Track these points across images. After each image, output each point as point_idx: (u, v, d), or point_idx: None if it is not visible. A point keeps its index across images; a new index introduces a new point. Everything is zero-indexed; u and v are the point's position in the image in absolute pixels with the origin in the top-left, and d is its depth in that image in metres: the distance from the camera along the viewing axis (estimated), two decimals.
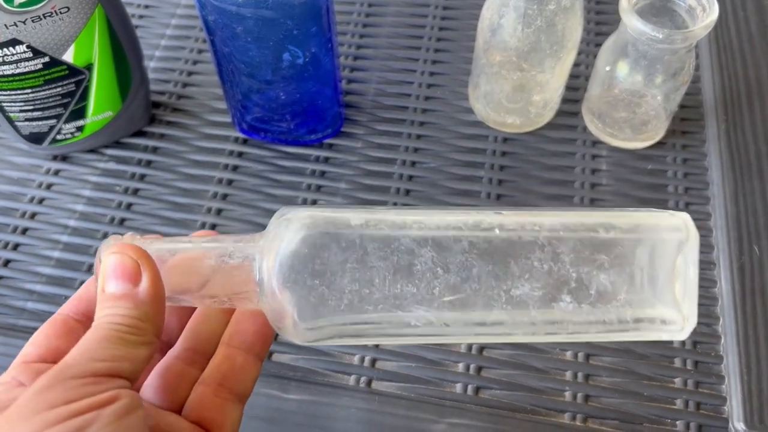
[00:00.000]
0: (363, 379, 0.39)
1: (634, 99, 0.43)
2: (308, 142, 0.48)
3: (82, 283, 0.42)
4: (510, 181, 0.46)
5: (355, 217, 0.24)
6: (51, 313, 0.41)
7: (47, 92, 0.42)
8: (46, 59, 0.40)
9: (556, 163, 0.47)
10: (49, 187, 0.47)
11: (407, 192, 0.46)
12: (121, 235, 0.27)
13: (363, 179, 0.46)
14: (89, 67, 0.42)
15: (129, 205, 0.46)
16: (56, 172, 0.47)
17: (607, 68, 0.43)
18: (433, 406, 0.38)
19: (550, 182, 0.46)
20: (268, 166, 0.47)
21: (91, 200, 0.46)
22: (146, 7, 0.56)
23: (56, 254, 0.44)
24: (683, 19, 0.42)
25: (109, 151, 0.48)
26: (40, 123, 0.44)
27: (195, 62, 0.53)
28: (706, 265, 0.42)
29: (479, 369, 0.39)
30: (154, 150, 0.48)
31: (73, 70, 0.42)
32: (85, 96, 0.43)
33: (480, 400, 0.38)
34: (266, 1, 0.37)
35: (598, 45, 0.52)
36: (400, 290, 0.24)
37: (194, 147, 0.48)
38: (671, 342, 0.39)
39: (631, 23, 0.39)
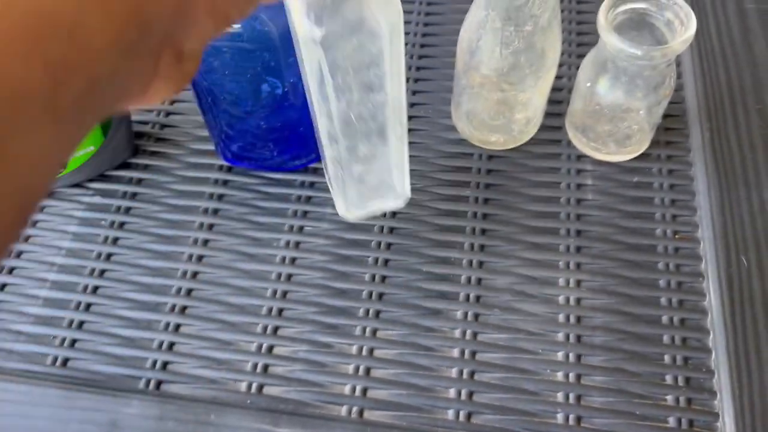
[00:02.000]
0: (355, 409, 0.39)
1: (617, 113, 0.43)
2: (293, 167, 0.48)
3: (71, 322, 0.42)
4: (496, 199, 0.46)
5: None
6: (39, 354, 0.41)
7: None
8: None
9: (541, 179, 0.46)
10: (34, 224, 0.46)
11: (393, 215, 0.46)
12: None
13: None
14: None
15: (115, 240, 0.46)
16: (41, 209, 0.47)
17: (588, 84, 0.43)
18: None
19: (536, 199, 0.46)
20: (254, 193, 0.47)
21: (77, 236, 0.46)
22: None
23: (44, 293, 0.43)
24: (662, 32, 0.41)
25: (94, 185, 0.48)
26: None
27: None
28: (694, 278, 0.42)
29: (470, 394, 0.39)
30: (139, 182, 0.48)
31: None
32: None
33: (472, 426, 0.38)
34: (241, 35, 0.37)
35: (581, 56, 0.52)
36: None
37: (179, 177, 0.48)
38: (662, 359, 0.39)
39: (609, 40, 0.39)
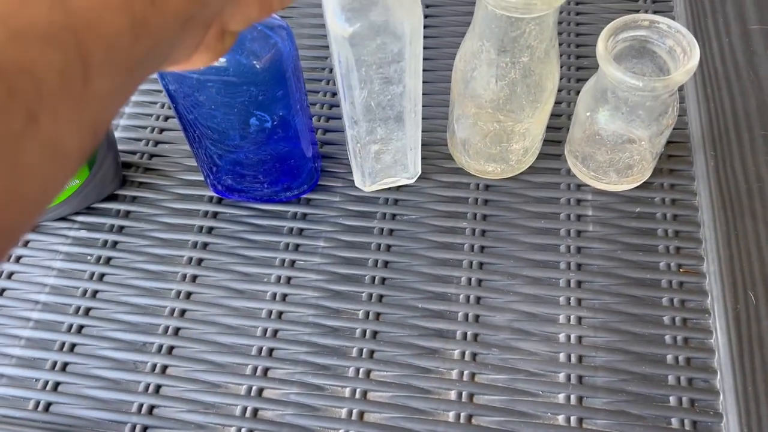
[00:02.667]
0: None
1: (618, 143, 0.42)
2: (284, 199, 0.46)
3: (54, 364, 0.40)
4: (493, 231, 0.44)
5: None
6: (20, 398, 0.39)
7: None
8: None
9: (540, 210, 0.45)
10: (18, 260, 0.45)
11: (388, 248, 0.44)
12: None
13: (342, 236, 0.45)
14: None
15: (101, 276, 0.44)
16: (25, 243, 0.46)
17: (588, 113, 0.42)
18: None
19: (535, 231, 0.44)
20: (244, 225, 0.46)
21: (62, 272, 0.44)
22: None
23: (26, 333, 0.42)
24: (664, 60, 0.40)
25: (80, 218, 0.47)
26: None
27: (166, 118, 0.51)
28: (700, 315, 0.40)
29: (469, 417, 0.37)
30: (126, 214, 0.47)
31: None
32: None
33: None
34: (227, 70, 0.36)
35: (580, 80, 0.51)
36: None
37: (168, 209, 0.47)
38: (668, 401, 0.38)
39: (609, 71, 0.38)
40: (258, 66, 0.36)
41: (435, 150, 0.48)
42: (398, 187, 0.47)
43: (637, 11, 0.55)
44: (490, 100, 0.40)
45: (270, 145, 0.41)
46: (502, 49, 0.37)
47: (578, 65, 0.52)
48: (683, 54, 0.38)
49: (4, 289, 0.44)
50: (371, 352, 0.40)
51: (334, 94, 0.52)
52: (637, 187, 0.45)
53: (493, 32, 0.37)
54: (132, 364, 0.41)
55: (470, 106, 0.41)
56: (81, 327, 0.42)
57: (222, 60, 0.35)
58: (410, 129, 0.41)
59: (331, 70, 0.53)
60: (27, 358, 0.41)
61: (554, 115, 0.46)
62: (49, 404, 0.39)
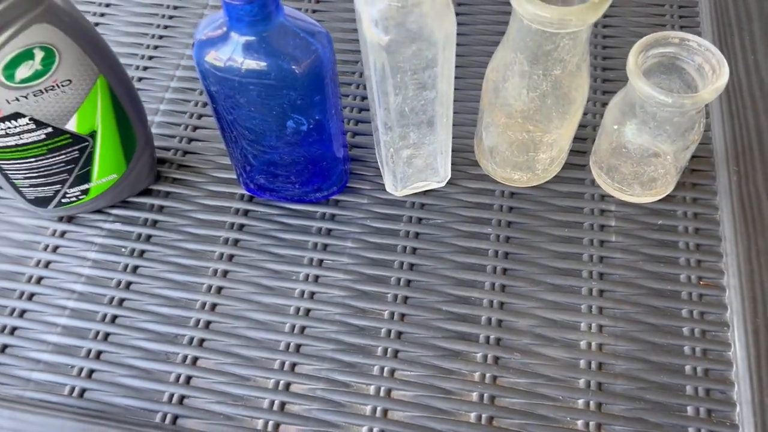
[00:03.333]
0: None
1: (644, 157, 0.43)
2: (313, 199, 0.47)
3: (89, 352, 0.42)
4: (518, 238, 0.45)
5: None
6: (56, 384, 0.41)
7: (51, 160, 0.42)
8: (49, 130, 0.40)
9: (564, 218, 0.46)
10: (55, 249, 0.47)
11: (414, 250, 0.45)
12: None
13: (369, 237, 0.46)
14: (93, 135, 0.42)
15: (135, 268, 0.45)
16: (62, 234, 0.47)
17: (615, 126, 0.43)
18: None
19: (559, 239, 0.45)
20: (274, 224, 0.47)
21: (96, 263, 0.46)
22: (150, 58, 0.56)
23: (62, 321, 0.43)
24: (692, 77, 0.41)
25: (115, 211, 0.48)
26: (44, 188, 0.44)
27: (200, 116, 0.53)
28: (719, 327, 0.41)
29: (491, 419, 0.38)
30: (160, 209, 0.48)
31: (76, 138, 0.41)
32: (89, 161, 0.43)
33: None
34: (269, 73, 0.37)
35: (606, 92, 0.52)
36: None
37: (200, 205, 0.48)
38: (685, 410, 0.39)
39: (639, 86, 0.39)
40: (298, 71, 0.37)
41: (462, 156, 0.49)
42: (425, 192, 0.48)
43: (664, 26, 0.55)
44: (520, 111, 0.41)
45: (304, 147, 0.43)
46: (534, 62, 0.38)
47: (604, 77, 0.53)
48: (712, 72, 0.39)
49: (41, 278, 0.45)
50: (396, 352, 0.41)
51: (363, 98, 0.53)
52: (660, 200, 0.46)
53: (527, 45, 0.38)
54: (164, 355, 0.42)
55: (500, 115, 0.42)
56: (115, 317, 0.44)
57: (263, 64, 0.37)
58: (442, 133, 0.42)
59: (360, 75, 0.54)
60: (63, 345, 0.43)
61: (580, 126, 0.47)
62: (83, 390, 0.41)
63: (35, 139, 0.40)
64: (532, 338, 0.41)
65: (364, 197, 0.48)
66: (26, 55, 0.36)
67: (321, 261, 0.45)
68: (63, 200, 0.45)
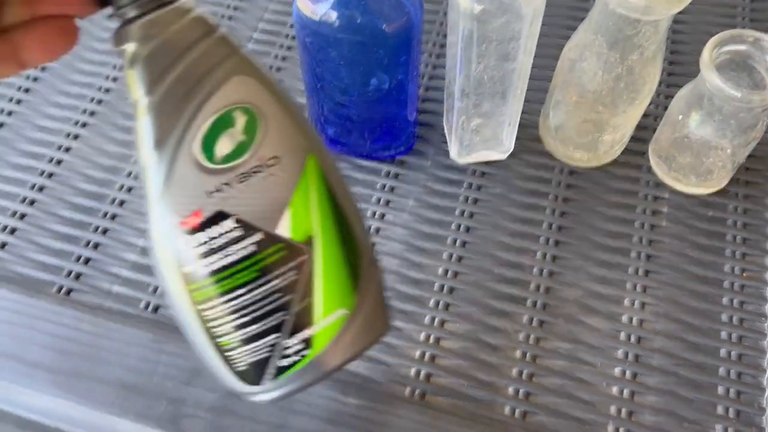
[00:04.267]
0: (417, 392, 0.41)
1: (703, 149, 0.45)
2: (382, 156, 0.50)
3: None
4: (572, 213, 0.48)
5: None
6: (134, 299, 0.44)
7: (263, 289, 0.29)
8: (259, 237, 0.28)
9: (618, 200, 0.48)
10: (137, 178, 0.50)
11: (471, 215, 0.48)
12: None
13: (430, 198, 0.49)
14: (309, 242, 0.29)
15: None
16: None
17: (680, 117, 0.45)
18: (482, 426, 0.40)
19: (611, 219, 0.47)
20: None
21: None
22: (235, 8, 0.59)
23: (142, 242, 0.47)
24: (762, 76, 0.43)
25: None
26: (258, 344, 0.30)
27: (278, 68, 0.56)
28: (757, 317, 0.43)
29: (527, 395, 0.41)
30: None
31: (291, 249, 0.29)
32: (309, 288, 0.30)
33: (527, 425, 0.40)
34: (363, 30, 0.39)
35: (670, 86, 0.53)
36: None
37: None
38: (716, 390, 0.41)
39: (710, 78, 0.40)
40: (389, 31, 0.40)
41: (526, 132, 0.51)
42: (487, 162, 0.50)
43: (735, 25, 0.57)
44: (592, 91, 0.43)
45: (382, 105, 0.45)
46: (613, 45, 0.40)
47: (670, 71, 0.54)
48: None
49: (122, 201, 0.49)
50: (447, 305, 0.44)
51: (435, 66, 0.55)
52: (713, 193, 0.48)
53: (608, 29, 0.40)
54: None
55: (572, 93, 0.44)
56: None
57: (357, 21, 0.39)
58: (513, 105, 0.44)
59: (434, 44, 0.57)
60: (141, 264, 0.46)
61: (643, 116, 0.49)
62: (157, 307, 0.44)
63: (243, 254, 0.28)
64: (577, 307, 0.44)
65: (428, 160, 0.51)
66: (226, 120, 0.27)
67: (383, 215, 0.48)
68: (282, 362, 0.31)
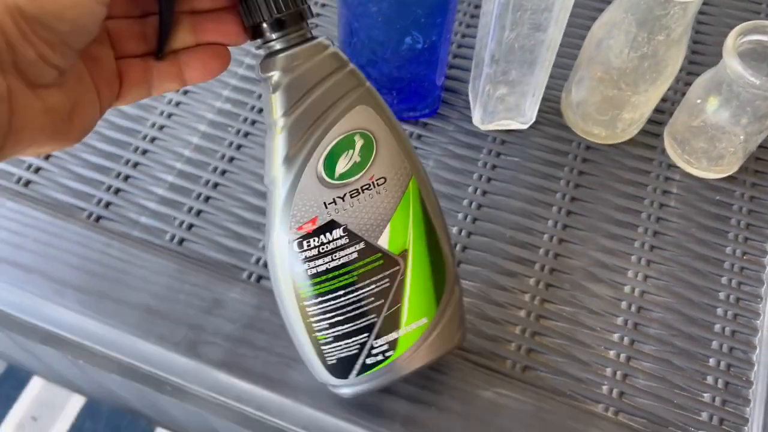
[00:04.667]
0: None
1: (717, 134, 0.46)
2: (406, 117, 0.52)
3: (190, 208, 0.47)
4: (586, 186, 0.49)
5: None
6: (160, 230, 0.46)
7: (361, 293, 0.34)
8: (361, 246, 0.33)
9: (631, 177, 0.50)
10: (169, 116, 0.52)
11: (489, 180, 0.50)
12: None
13: (450, 161, 0.50)
14: (404, 255, 0.34)
15: (239, 146, 0.51)
16: (177, 104, 0.52)
17: (698, 100, 0.46)
18: (484, 376, 0.42)
19: (623, 195, 0.49)
20: None
21: (206, 137, 0.51)
22: None
23: (170, 178, 0.49)
24: None
25: (226, 93, 0.53)
26: (349, 342, 0.35)
27: (315, 25, 0.57)
28: (753, 298, 0.45)
29: (529, 351, 0.43)
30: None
31: (387, 260, 0.34)
32: (399, 296, 0.35)
33: (526, 377, 0.42)
34: None
35: (689, 74, 0.55)
36: None
37: None
38: (708, 361, 0.43)
39: (732, 65, 0.42)
40: None
41: (547, 105, 0.53)
42: (508, 130, 0.52)
43: (758, 16, 0.58)
44: (617, 68, 0.44)
45: (413, 65, 0.47)
46: (642, 24, 0.42)
47: (690, 59, 0.56)
48: None
49: (154, 138, 0.51)
50: (458, 262, 0.46)
51: (463, 35, 0.57)
52: (722, 178, 0.50)
53: (639, 7, 0.41)
54: (255, 225, 0.47)
55: (597, 69, 0.46)
56: (216, 184, 0.49)
57: None
58: (540, 75, 0.46)
59: (464, 14, 0.58)
60: (168, 199, 0.48)
61: (661, 100, 0.51)
62: (182, 240, 0.46)
63: (345, 260, 0.33)
64: (583, 274, 0.46)
65: (450, 125, 0.52)
66: (347, 142, 0.32)
67: None
68: (368, 360, 0.36)
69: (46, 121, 0.24)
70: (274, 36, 0.31)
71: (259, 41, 0.31)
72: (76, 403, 1.08)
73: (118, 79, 0.28)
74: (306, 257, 0.33)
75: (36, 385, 1.09)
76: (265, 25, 0.30)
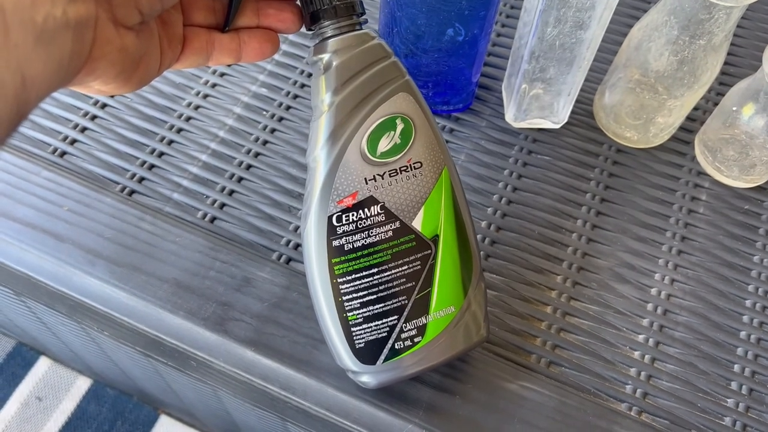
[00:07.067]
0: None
1: (751, 143, 0.47)
2: (439, 111, 0.52)
3: (223, 188, 0.47)
4: (615, 189, 0.50)
5: None
6: (192, 207, 0.47)
7: (394, 273, 0.35)
8: (397, 225, 0.35)
9: (660, 183, 0.50)
10: (205, 97, 0.52)
11: (519, 176, 0.50)
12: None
13: (481, 156, 0.51)
14: (435, 240, 0.36)
15: (272, 131, 0.51)
16: (213, 86, 0.53)
17: (734, 108, 0.47)
18: (510, 369, 0.42)
19: (652, 199, 0.49)
20: None
21: (241, 119, 0.51)
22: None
23: (204, 158, 0.49)
24: None
25: (262, 78, 0.53)
26: (379, 324, 0.36)
27: None
28: None
29: (554, 347, 0.43)
30: (294, 97, 0.53)
31: (420, 242, 0.35)
32: (429, 280, 0.36)
33: (550, 372, 0.42)
34: None
35: (722, 84, 0.55)
36: None
37: None
38: (732, 367, 0.43)
39: None
40: None
41: (580, 107, 0.53)
42: (539, 129, 0.52)
43: None
44: (655, 71, 0.45)
45: (452, 57, 0.47)
46: (685, 27, 0.42)
47: (724, 71, 0.56)
48: None
49: (189, 117, 0.51)
50: (486, 256, 0.46)
51: (499, 34, 0.57)
52: (752, 188, 0.50)
53: (683, 10, 0.41)
54: (287, 208, 0.47)
55: (635, 72, 0.46)
56: (249, 166, 0.49)
57: None
58: (576, 75, 0.46)
59: (501, 14, 0.58)
60: (202, 177, 0.48)
61: (693, 108, 0.51)
62: (214, 218, 0.47)
63: (381, 237, 0.35)
64: (610, 275, 0.46)
65: (483, 120, 0.53)
66: (389, 124, 0.34)
67: None
68: (396, 344, 0.36)
69: (118, 58, 0.25)
70: (328, 22, 0.34)
71: (314, 28, 0.34)
72: (81, 385, 1.08)
73: (181, 44, 0.29)
74: (344, 231, 0.34)
75: (42, 365, 1.09)
76: (322, 11, 0.33)
